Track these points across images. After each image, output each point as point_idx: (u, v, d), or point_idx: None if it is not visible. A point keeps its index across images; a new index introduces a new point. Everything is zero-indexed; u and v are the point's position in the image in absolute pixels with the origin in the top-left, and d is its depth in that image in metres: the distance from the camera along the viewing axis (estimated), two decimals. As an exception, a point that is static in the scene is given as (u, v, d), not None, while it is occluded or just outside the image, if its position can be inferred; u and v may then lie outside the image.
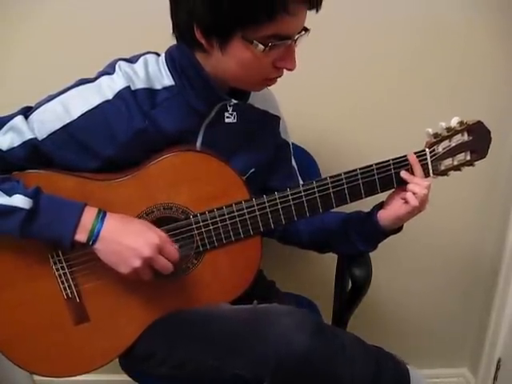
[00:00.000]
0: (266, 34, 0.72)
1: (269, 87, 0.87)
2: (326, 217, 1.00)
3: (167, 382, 0.92)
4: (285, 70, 0.79)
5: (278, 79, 0.82)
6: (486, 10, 1.20)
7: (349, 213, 0.99)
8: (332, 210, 0.89)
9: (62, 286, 0.84)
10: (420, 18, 1.20)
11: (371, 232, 0.92)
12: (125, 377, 0.98)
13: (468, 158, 0.88)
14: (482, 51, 1.23)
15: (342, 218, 0.98)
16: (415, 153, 0.86)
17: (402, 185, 0.87)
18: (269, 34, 0.72)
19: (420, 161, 0.86)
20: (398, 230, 0.93)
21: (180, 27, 0.79)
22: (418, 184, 0.85)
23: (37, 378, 1.50)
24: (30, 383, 1.49)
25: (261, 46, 0.73)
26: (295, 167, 1.05)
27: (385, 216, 0.89)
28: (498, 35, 1.22)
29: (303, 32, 0.77)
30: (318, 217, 0.96)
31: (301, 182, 1.03)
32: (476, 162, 0.89)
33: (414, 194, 0.85)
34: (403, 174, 0.86)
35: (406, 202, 0.86)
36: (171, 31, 0.81)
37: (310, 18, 0.79)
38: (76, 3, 1.16)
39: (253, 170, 0.92)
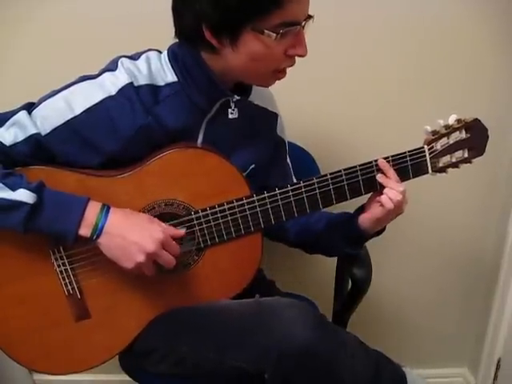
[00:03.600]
0: (275, 22, 0.74)
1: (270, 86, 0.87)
2: (312, 217, 1.00)
3: (166, 379, 0.92)
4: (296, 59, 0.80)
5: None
6: (486, 7, 1.20)
7: (334, 214, 0.99)
8: (324, 210, 0.89)
9: (63, 282, 0.84)
10: (419, 16, 1.20)
11: (354, 234, 0.92)
12: (125, 377, 0.98)
13: (466, 155, 0.89)
14: (481, 49, 1.23)
15: (327, 219, 0.98)
16: (414, 150, 0.86)
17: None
18: (278, 23, 0.74)
19: (419, 158, 0.86)
20: (380, 232, 0.93)
21: (187, 31, 0.80)
22: (392, 189, 0.85)
23: (36, 377, 1.48)
24: (30, 383, 1.48)
25: (272, 35, 0.74)
26: (290, 165, 1.05)
27: (365, 219, 0.89)
28: (498, 33, 1.23)
29: (308, 19, 0.78)
30: (305, 216, 0.96)
31: (295, 181, 1.02)
32: (473, 160, 0.90)
33: (389, 198, 0.84)
34: (379, 177, 0.86)
35: (382, 205, 0.85)
36: (171, 29, 0.81)
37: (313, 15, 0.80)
38: (77, 2, 1.17)
39: (253, 166, 0.92)
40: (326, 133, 1.29)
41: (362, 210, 0.91)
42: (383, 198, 0.85)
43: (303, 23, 0.77)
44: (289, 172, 1.04)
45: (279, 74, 0.83)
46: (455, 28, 1.22)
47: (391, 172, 0.86)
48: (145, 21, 1.14)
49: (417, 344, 1.51)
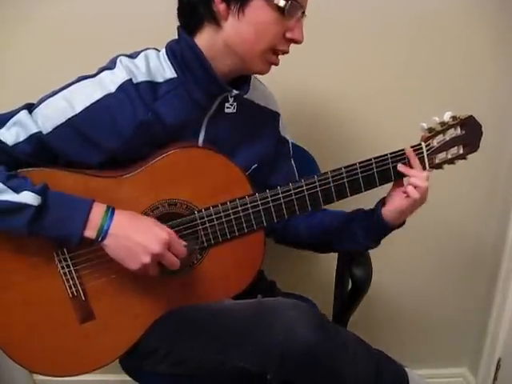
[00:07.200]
0: None
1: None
2: (325, 217, 1.01)
3: (167, 379, 0.91)
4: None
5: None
6: (485, 4, 1.21)
7: (350, 211, 0.99)
8: (329, 209, 0.89)
9: (67, 284, 0.84)
10: (418, 11, 1.21)
11: (376, 228, 0.92)
12: (125, 377, 0.97)
13: (461, 151, 0.91)
14: (481, 46, 1.24)
15: (345, 216, 0.98)
16: (412, 147, 0.88)
17: (400, 178, 0.89)
18: None
19: (416, 154, 0.88)
20: (401, 224, 0.93)
21: (193, 3, 0.80)
22: (417, 177, 0.86)
23: (37, 377, 1.47)
24: (31, 383, 1.47)
25: (282, 1, 0.76)
26: (294, 167, 1.05)
27: (388, 211, 0.89)
28: (498, 30, 1.23)
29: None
30: (317, 219, 0.98)
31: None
32: (468, 156, 0.91)
33: (414, 187, 0.85)
34: (400, 167, 0.87)
35: (407, 195, 0.86)
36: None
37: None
38: (77, 2, 1.18)
39: (255, 165, 0.93)
40: (325, 132, 1.30)
41: (382, 203, 0.91)
42: (409, 188, 0.85)
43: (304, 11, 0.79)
44: (293, 173, 1.04)
45: (273, 56, 0.84)
46: (454, 25, 1.23)
47: (415, 160, 0.86)
48: (144, 20, 1.16)
49: (417, 344, 1.51)
